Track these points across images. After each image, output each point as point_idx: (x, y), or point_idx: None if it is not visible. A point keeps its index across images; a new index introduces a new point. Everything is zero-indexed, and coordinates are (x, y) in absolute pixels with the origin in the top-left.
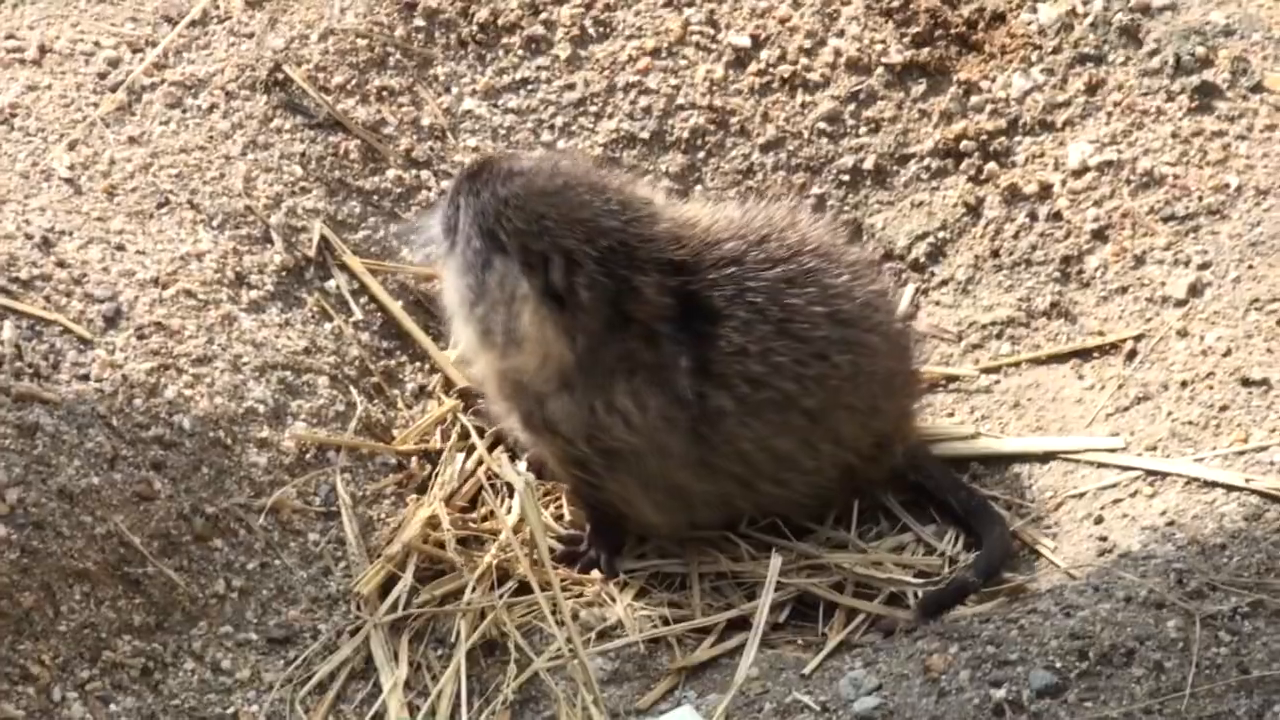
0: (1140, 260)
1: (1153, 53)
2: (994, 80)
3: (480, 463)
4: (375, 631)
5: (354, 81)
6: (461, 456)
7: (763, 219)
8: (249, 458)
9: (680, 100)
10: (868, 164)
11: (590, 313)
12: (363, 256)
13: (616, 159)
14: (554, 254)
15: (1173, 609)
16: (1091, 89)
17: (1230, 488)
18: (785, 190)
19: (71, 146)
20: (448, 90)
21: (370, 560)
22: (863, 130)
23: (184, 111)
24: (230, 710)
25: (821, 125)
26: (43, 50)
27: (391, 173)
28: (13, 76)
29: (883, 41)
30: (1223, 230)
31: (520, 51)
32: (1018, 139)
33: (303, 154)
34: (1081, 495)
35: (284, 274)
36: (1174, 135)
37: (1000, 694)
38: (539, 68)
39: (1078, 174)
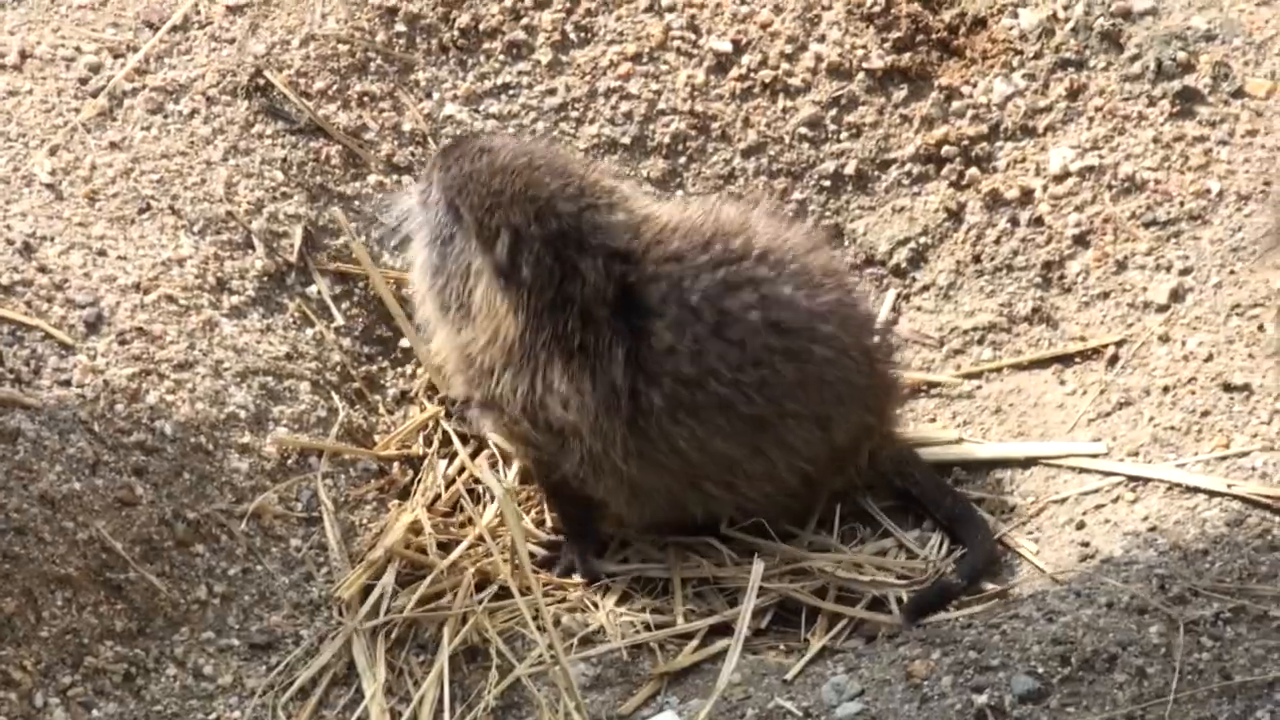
0: (1122, 265)
1: (1134, 58)
2: (975, 85)
3: (463, 469)
4: (357, 637)
5: (335, 87)
6: (444, 463)
7: (712, 221)
8: (231, 463)
9: (661, 105)
10: (849, 169)
11: (533, 291)
12: (343, 262)
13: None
14: (503, 229)
15: (1155, 614)
16: (1073, 94)
17: (1212, 493)
18: (767, 195)
19: (53, 152)
20: (429, 96)
21: (352, 566)
22: (844, 135)
23: (165, 117)
24: (212, 716)
25: (803, 130)
26: (24, 55)
27: (373, 178)
28: None
29: (864, 47)
30: (1204, 235)
31: (501, 57)
32: (999, 144)
33: (284, 159)
34: (1063, 500)
35: (265, 279)
36: (1155, 140)
37: (982, 699)
38: (520, 73)
39: (1059, 179)
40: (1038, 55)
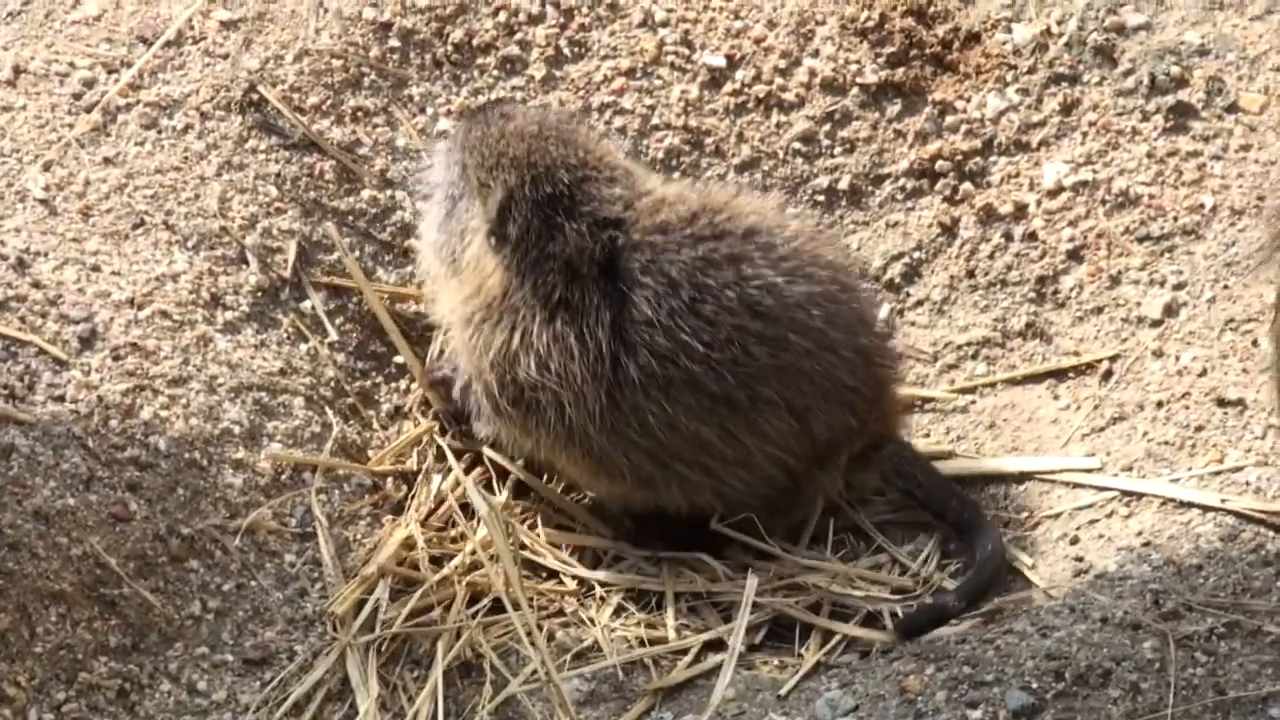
0: (1116, 280)
1: (1128, 73)
2: (969, 100)
3: (457, 484)
4: (351, 652)
5: (329, 102)
6: (438, 478)
7: (700, 197)
8: (225, 479)
9: (655, 120)
10: (843, 184)
11: (518, 250)
12: (337, 277)
13: None
14: (497, 188)
15: (1149, 630)
16: (1067, 109)
17: (1206, 508)
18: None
19: (46, 167)
20: (423, 110)
21: (346, 581)
22: (838, 150)
23: (159, 132)
24: None
25: (796, 145)
26: (17, 71)
27: (366, 193)
28: None
29: (858, 62)
30: (1198, 250)
31: (495, 72)
32: (993, 159)
33: (278, 174)
34: (1057, 516)
35: (259, 295)
36: (1149, 155)
37: (977, 715)
38: (514, 88)
39: (1053, 194)
40: (1031, 70)
